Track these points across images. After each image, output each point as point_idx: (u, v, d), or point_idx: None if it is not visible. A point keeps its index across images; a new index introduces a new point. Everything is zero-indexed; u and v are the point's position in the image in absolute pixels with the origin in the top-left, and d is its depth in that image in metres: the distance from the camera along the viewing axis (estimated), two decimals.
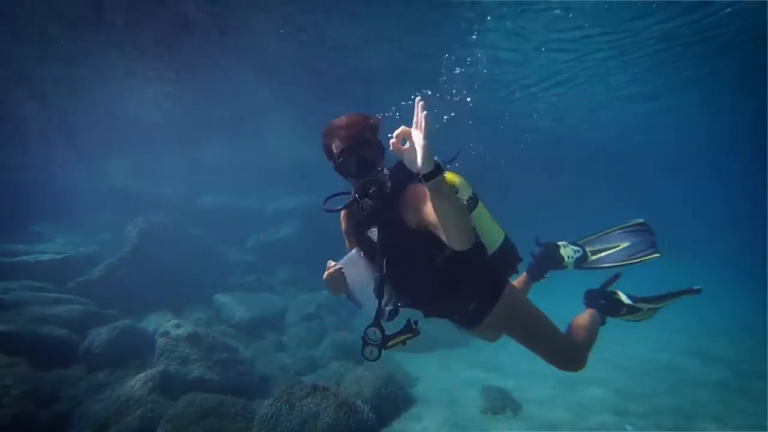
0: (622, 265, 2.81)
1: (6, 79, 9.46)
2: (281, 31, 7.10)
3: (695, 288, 2.75)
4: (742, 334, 8.63)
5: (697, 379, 6.38)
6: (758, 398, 5.59)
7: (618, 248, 2.86)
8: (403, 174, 2.04)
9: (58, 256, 8.96)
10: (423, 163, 1.54)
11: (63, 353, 5.92)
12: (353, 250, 2.23)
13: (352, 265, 2.19)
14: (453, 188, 1.98)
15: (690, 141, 19.60)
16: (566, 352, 2.37)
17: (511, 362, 7.18)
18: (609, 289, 2.93)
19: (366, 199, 2.01)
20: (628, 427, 5.03)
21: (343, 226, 2.39)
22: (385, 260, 2.08)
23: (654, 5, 6.47)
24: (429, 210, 1.87)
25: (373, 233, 2.13)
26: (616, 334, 8.65)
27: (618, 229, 2.96)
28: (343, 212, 2.33)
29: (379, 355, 2.07)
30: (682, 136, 18.30)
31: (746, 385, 6.07)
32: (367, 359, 2.07)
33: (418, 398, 5.97)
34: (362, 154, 1.99)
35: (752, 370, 6.62)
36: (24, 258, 8.59)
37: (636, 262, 2.78)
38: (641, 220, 2.91)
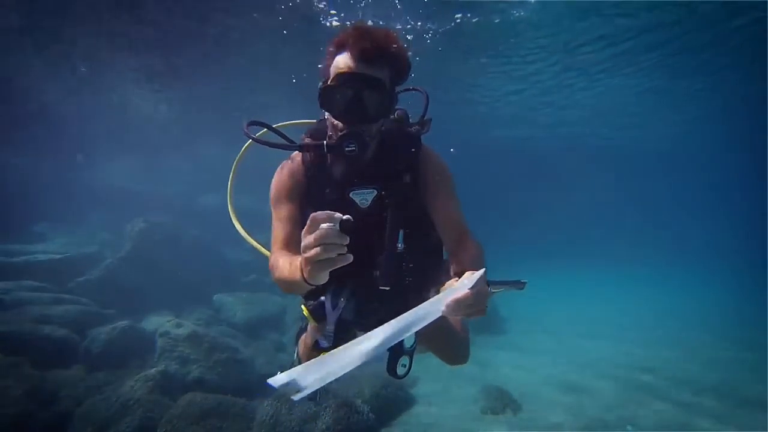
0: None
1: (8, 78, 9.47)
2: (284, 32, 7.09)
3: None
4: (742, 334, 8.64)
5: (698, 379, 6.39)
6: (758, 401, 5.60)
7: None
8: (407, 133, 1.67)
9: (58, 256, 8.96)
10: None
11: (63, 353, 5.91)
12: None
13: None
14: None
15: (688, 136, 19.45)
16: None
17: (510, 362, 7.17)
18: None
19: (353, 148, 1.46)
20: (629, 428, 5.03)
21: (288, 183, 1.72)
22: (402, 233, 1.65)
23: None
24: (441, 207, 1.64)
25: (362, 195, 1.64)
26: (613, 332, 8.70)
27: None
28: (297, 159, 1.72)
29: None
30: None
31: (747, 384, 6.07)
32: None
33: (418, 398, 5.96)
34: (365, 98, 1.46)
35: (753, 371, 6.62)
36: (24, 258, 8.60)
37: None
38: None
